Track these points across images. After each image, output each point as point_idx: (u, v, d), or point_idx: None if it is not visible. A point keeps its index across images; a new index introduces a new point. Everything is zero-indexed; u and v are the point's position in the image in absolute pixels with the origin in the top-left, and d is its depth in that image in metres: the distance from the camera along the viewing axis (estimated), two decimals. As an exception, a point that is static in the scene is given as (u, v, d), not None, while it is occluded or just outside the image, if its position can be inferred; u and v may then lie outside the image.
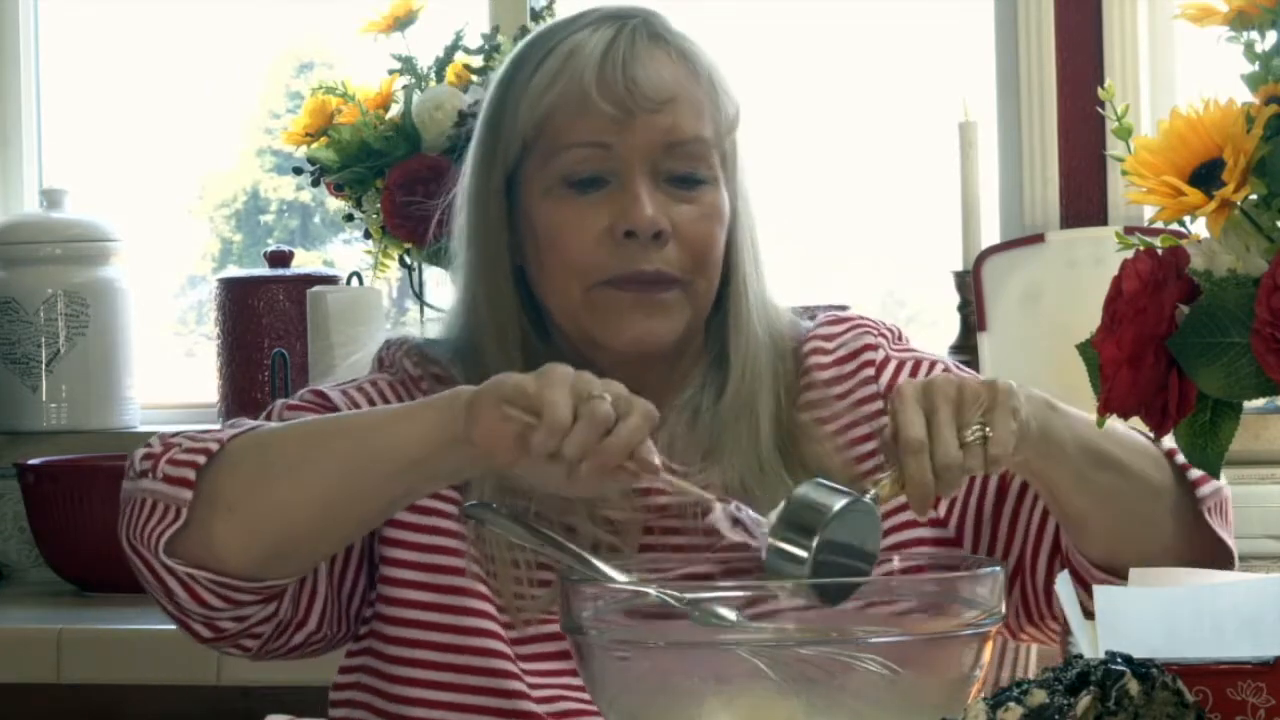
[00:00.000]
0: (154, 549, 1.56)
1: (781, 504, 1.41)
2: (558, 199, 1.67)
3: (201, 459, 1.57)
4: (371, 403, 1.71)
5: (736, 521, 1.43)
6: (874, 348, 1.74)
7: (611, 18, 1.69)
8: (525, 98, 1.68)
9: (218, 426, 1.66)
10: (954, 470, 1.43)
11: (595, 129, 1.66)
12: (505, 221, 1.70)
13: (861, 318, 1.78)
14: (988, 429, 1.45)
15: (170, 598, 1.59)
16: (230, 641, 1.63)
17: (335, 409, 1.69)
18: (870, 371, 1.73)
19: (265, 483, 1.56)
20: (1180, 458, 1.60)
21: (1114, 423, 1.58)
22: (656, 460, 1.45)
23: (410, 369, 1.73)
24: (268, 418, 1.69)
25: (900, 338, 1.78)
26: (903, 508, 1.66)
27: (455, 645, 1.64)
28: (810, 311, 1.80)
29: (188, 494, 1.55)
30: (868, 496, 1.43)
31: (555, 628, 1.57)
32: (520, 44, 1.75)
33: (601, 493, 1.53)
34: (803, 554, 1.38)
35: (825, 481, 1.43)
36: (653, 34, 1.68)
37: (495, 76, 1.74)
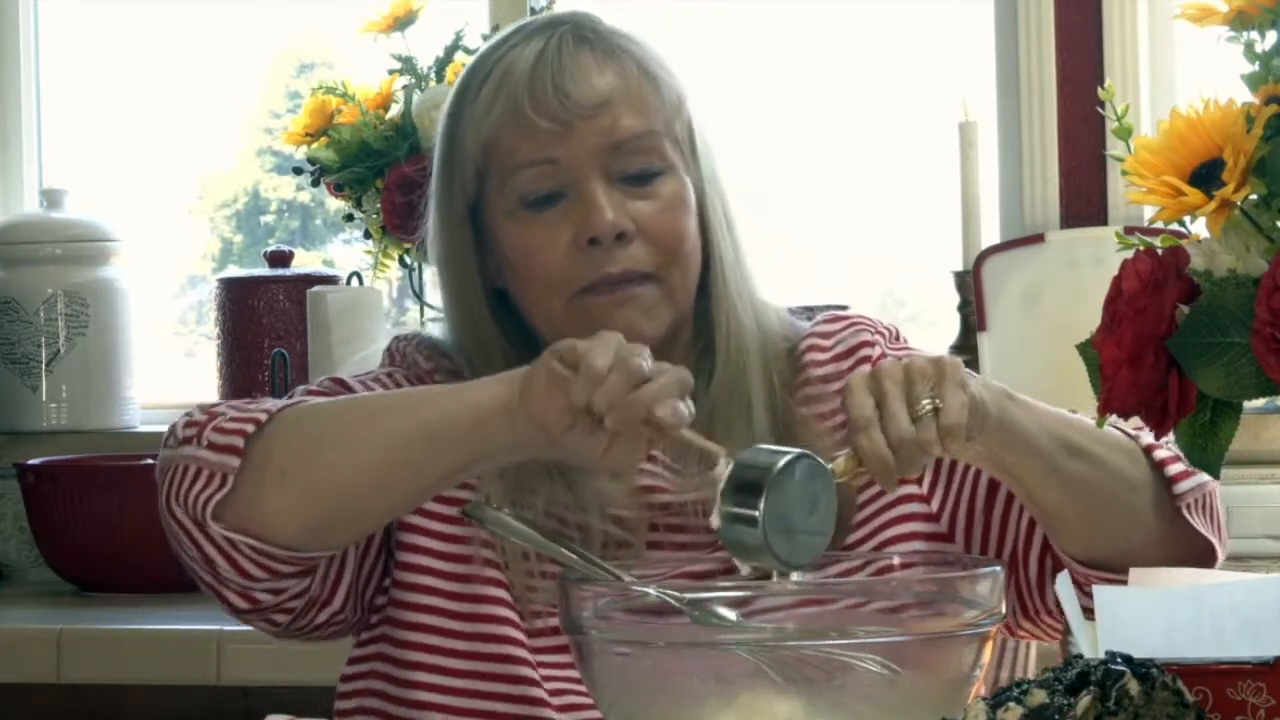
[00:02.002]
0: (200, 514, 1.55)
1: (727, 473, 1.39)
2: (519, 220, 1.68)
3: (250, 428, 1.56)
4: None
5: None
6: (870, 344, 1.75)
7: (542, 29, 1.69)
8: (471, 125, 1.69)
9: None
10: (908, 444, 1.45)
11: (538, 146, 1.66)
12: (473, 248, 1.72)
13: (860, 317, 1.79)
14: (938, 402, 1.46)
15: (209, 566, 1.58)
16: (262, 615, 1.63)
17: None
18: (867, 368, 1.73)
19: (322, 448, 1.56)
20: (1159, 453, 1.60)
21: (1085, 418, 1.59)
22: (665, 415, 1.43)
23: (422, 363, 1.74)
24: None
25: (898, 337, 1.79)
26: (898, 500, 1.67)
27: (471, 633, 1.65)
28: (810, 312, 1.81)
29: (235, 461, 1.55)
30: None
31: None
32: (464, 69, 1.75)
33: (632, 461, 1.51)
34: (754, 513, 1.36)
35: (767, 446, 1.43)
36: (579, 38, 1.68)
37: (444, 108, 1.75)
